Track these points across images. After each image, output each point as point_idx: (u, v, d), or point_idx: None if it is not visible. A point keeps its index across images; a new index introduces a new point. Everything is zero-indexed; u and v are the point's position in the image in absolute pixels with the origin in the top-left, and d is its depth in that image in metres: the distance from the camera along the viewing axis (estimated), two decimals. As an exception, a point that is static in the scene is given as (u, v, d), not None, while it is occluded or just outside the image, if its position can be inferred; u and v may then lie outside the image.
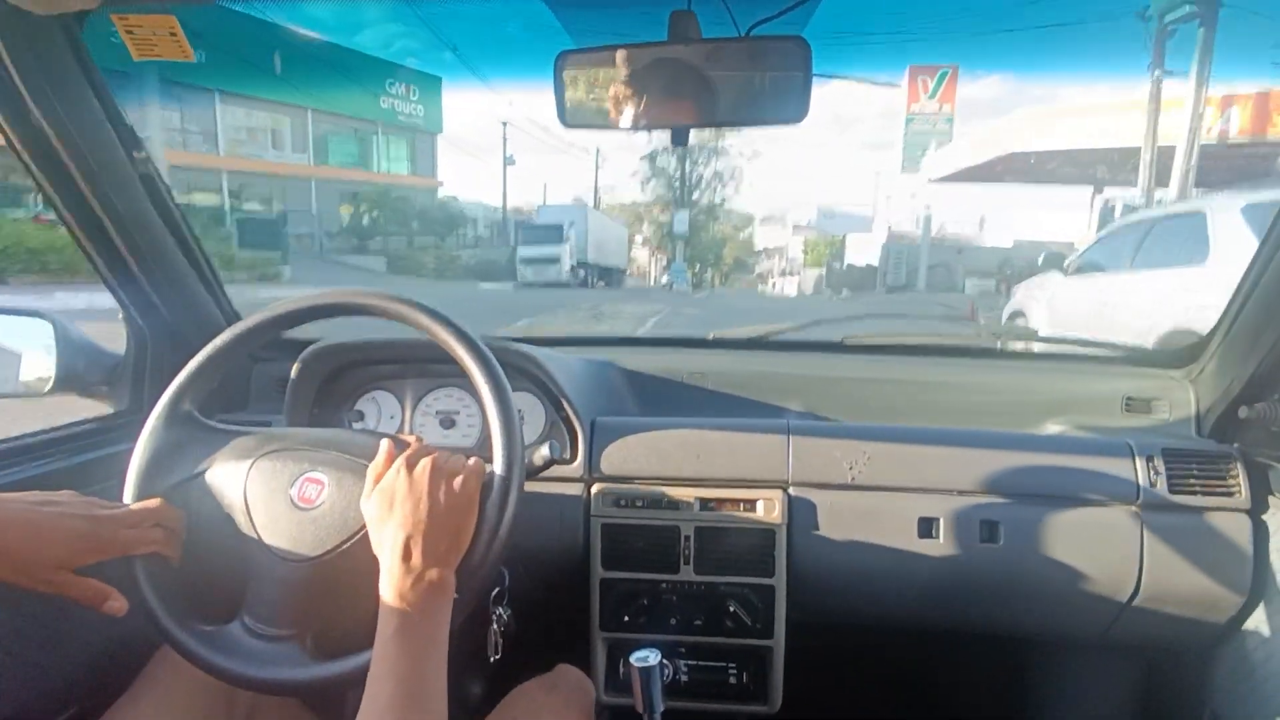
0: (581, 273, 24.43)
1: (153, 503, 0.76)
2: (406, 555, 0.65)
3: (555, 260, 22.31)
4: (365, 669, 0.63)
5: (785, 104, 0.83)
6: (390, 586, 0.64)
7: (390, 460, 0.71)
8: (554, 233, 22.83)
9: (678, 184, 34.85)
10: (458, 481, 0.69)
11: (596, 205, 34.73)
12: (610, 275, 29.25)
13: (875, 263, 23.89)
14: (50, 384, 1.05)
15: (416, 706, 0.59)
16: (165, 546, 0.75)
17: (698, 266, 36.03)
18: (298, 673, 0.70)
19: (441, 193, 30.32)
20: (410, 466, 0.69)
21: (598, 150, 35.74)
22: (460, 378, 1.20)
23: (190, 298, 1.19)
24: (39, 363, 1.05)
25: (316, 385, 1.16)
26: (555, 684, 0.94)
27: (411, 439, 0.81)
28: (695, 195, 35.72)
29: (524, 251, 22.96)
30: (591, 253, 25.72)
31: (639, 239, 40.89)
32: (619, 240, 32.15)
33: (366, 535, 0.70)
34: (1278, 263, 1.00)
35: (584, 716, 0.93)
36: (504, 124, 31.51)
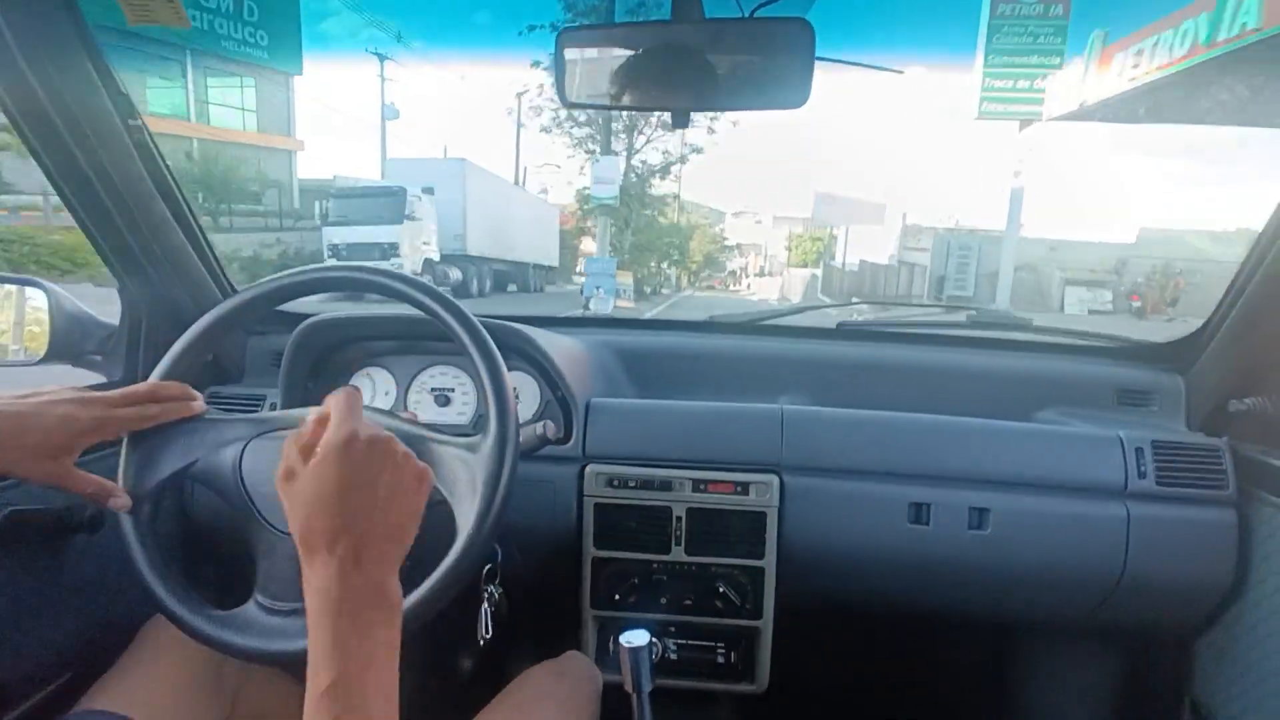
0: (454, 274, 14.68)
1: (144, 385, 0.74)
2: (355, 561, 0.51)
3: (389, 250, 13.21)
4: None
5: (787, 88, 0.82)
6: (327, 597, 0.50)
7: (321, 429, 0.56)
8: (387, 204, 13.58)
9: (600, 120, 18.18)
10: (409, 461, 0.58)
11: (520, 183, 22.47)
12: (523, 278, 19.07)
13: (888, 262, 20.17)
14: (43, 352, 1.05)
15: None
16: (173, 415, 0.74)
17: (653, 265, 23.27)
18: None
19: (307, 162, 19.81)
20: (356, 443, 0.54)
21: (519, 98, 20.85)
22: (456, 355, 1.21)
23: (185, 268, 1.18)
24: (32, 331, 1.05)
25: (311, 360, 1.16)
26: (564, 670, 0.94)
27: (408, 415, 0.81)
28: (638, 143, 20.20)
29: (332, 235, 13.73)
30: (477, 238, 15.91)
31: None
32: (539, 224, 20.73)
33: None
34: (1270, 259, 1.00)
35: (591, 704, 0.94)
36: (379, 56, 20.33)
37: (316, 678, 0.48)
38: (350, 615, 0.50)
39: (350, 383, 1.21)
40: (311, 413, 0.58)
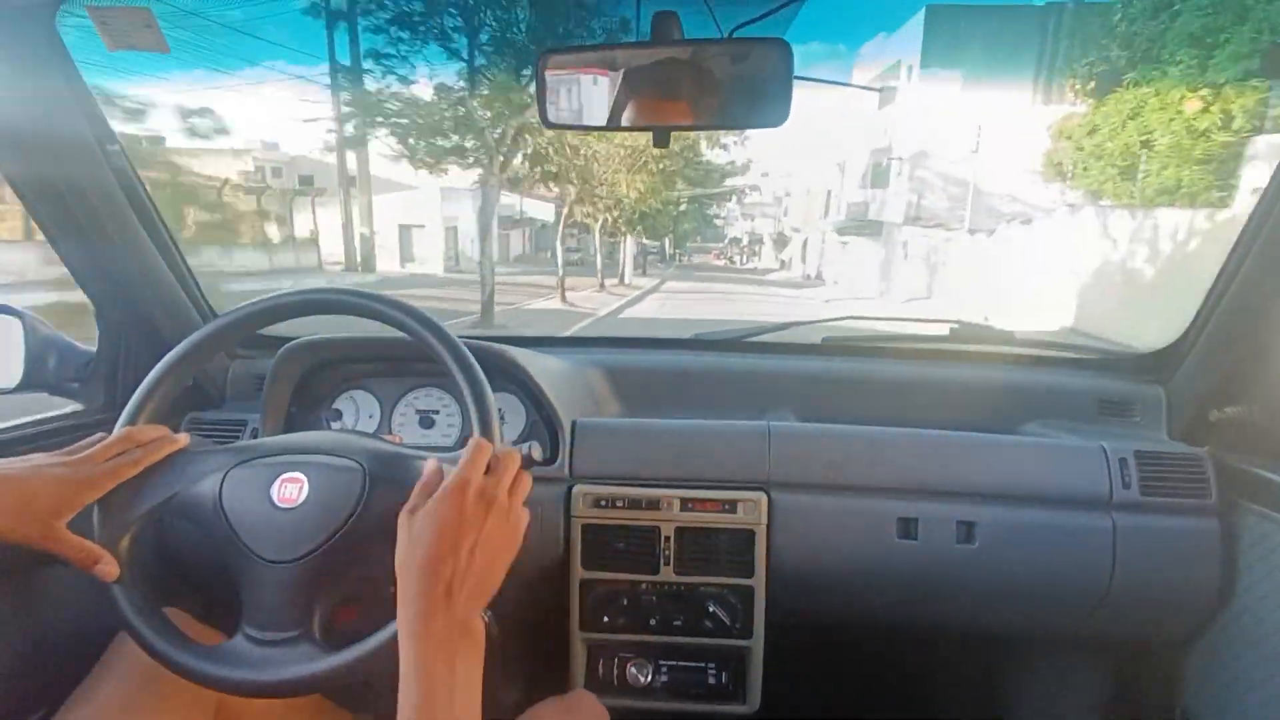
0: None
1: (121, 432, 0.74)
2: (448, 593, 0.57)
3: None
4: (380, 649, 0.62)
5: (767, 106, 0.83)
6: (419, 623, 0.56)
7: (439, 476, 0.64)
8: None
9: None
10: (510, 516, 0.65)
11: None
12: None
13: None
14: (17, 381, 1.03)
15: None
16: (158, 455, 0.74)
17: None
18: (314, 667, 0.68)
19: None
20: (475, 488, 0.62)
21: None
22: (440, 377, 1.20)
23: (164, 293, 1.17)
24: (6, 359, 1.03)
25: (293, 383, 1.15)
26: (572, 709, 0.92)
27: (394, 438, 0.80)
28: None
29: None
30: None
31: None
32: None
33: (355, 524, 0.69)
34: (1247, 268, 1.02)
35: None
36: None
37: (406, 696, 0.54)
38: (438, 641, 0.55)
39: (333, 406, 1.20)
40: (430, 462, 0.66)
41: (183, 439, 0.77)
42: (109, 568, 0.70)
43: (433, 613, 0.56)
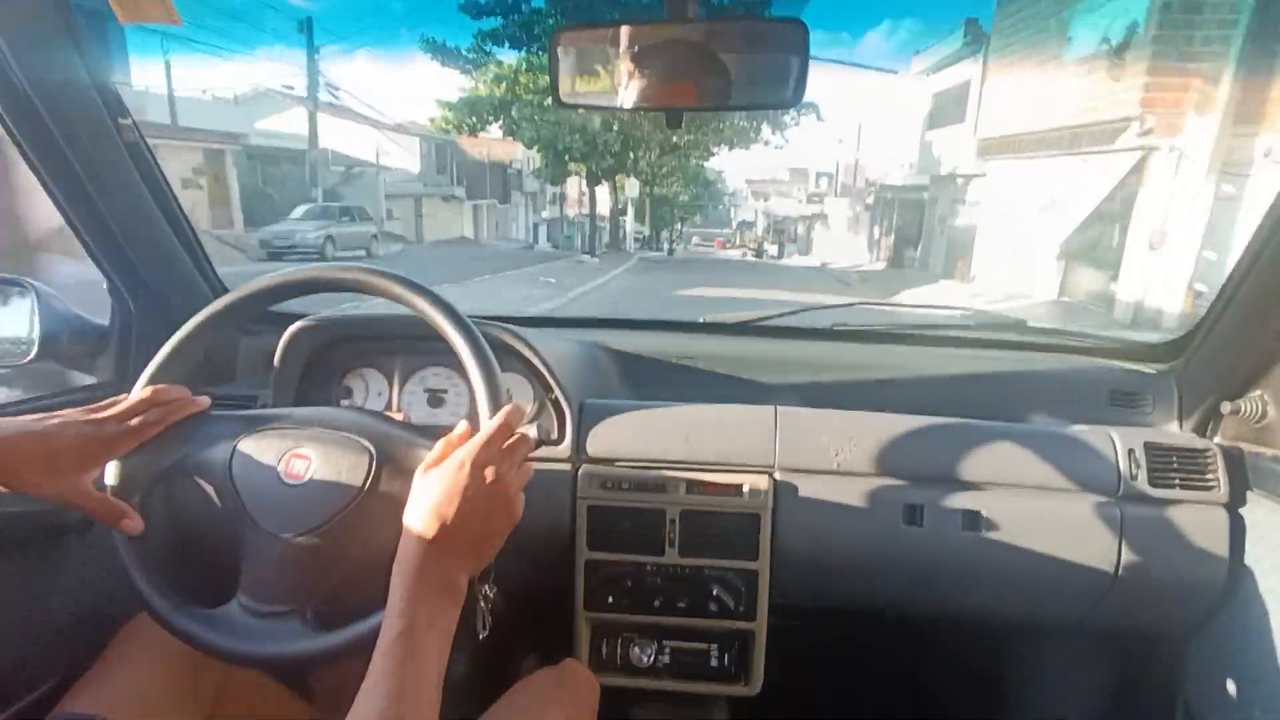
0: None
1: (145, 391, 0.75)
2: (440, 549, 0.61)
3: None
4: (370, 635, 0.62)
5: (781, 87, 0.82)
6: (413, 565, 0.60)
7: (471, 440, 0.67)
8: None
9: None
10: (506, 498, 0.66)
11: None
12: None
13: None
14: (32, 354, 1.04)
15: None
16: (179, 415, 0.76)
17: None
18: (303, 645, 0.69)
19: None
20: (485, 464, 0.64)
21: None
22: (449, 355, 1.20)
23: (175, 268, 1.17)
24: (20, 332, 1.03)
25: (303, 361, 1.15)
26: (564, 679, 0.94)
27: (399, 416, 0.80)
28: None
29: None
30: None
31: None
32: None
33: (359, 506, 0.70)
34: (1264, 261, 1.00)
35: (591, 714, 0.94)
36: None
37: (390, 625, 0.58)
38: (424, 584, 0.60)
39: (343, 384, 1.20)
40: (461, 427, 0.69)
41: (204, 401, 0.78)
42: (134, 523, 0.72)
43: (423, 562, 0.60)
